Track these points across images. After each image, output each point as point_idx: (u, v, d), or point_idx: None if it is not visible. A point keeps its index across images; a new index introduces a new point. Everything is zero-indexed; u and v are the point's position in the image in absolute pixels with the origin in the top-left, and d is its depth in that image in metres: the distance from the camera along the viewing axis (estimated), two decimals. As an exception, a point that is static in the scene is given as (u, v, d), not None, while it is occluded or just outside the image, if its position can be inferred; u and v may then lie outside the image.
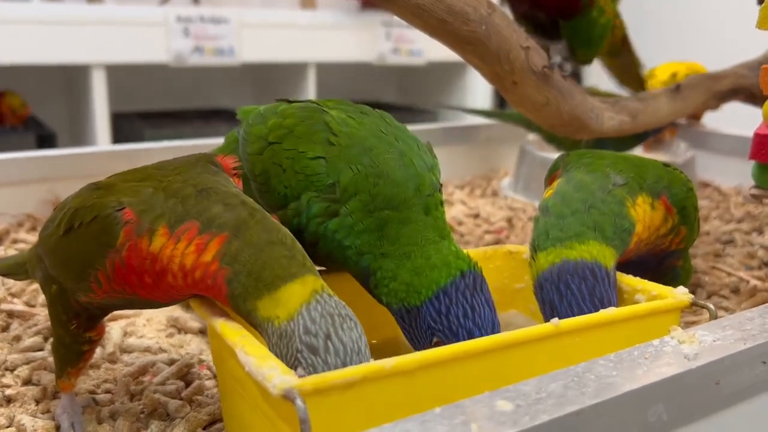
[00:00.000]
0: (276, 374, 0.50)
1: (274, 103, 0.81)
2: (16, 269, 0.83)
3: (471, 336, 0.63)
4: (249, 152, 0.76)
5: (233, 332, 0.57)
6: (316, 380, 0.50)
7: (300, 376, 0.51)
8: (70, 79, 2.83)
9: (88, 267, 0.62)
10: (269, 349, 0.56)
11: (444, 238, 0.67)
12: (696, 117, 1.88)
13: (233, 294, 0.57)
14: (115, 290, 0.63)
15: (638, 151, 1.67)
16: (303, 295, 0.56)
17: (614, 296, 0.69)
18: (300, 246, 0.60)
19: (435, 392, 0.55)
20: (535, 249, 0.72)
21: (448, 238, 0.68)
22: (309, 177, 0.69)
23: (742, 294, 1.09)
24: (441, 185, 0.73)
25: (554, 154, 1.65)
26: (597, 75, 3.51)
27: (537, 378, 0.54)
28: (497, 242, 1.36)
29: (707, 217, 1.49)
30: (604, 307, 0.66)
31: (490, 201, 1.66)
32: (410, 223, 0.67)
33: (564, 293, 0.66)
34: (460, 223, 1.47)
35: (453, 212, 1.52)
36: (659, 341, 0.62)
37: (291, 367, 0.53)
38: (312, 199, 0.69)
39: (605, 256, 0.69)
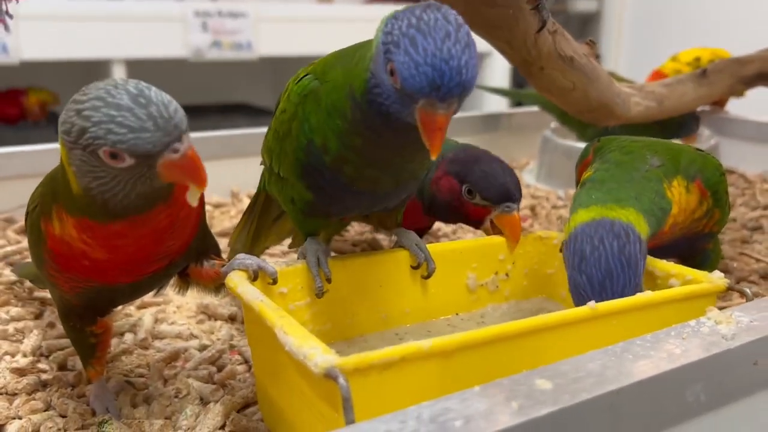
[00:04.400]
0: (317, 353, 0.50)
1: None
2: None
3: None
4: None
5: (272, 313, 0.58)
6: (356, 360, 0.50)
7: None
8: (90, 75, 2.84)
9: (39, 261, 0.64)
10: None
11: None
12: (719, 103, 1.85)
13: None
14: (72, 278, 0.63)
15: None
16: None
17: (642, 264, 0.69)
18: None
19: (473, 373, 0.55)
20: (576, 207, 0.74)
21: None
22: None
23: (772, 280, 1.08)
24: None
25: (577, 143, 1.64)
26: (614, 61, 3.48)
27: (575, 358, 0.54)
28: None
29: (733, 204, 1.47)
30: (630, 266, 0.67)
31: (512, 190, 1.65)
32: None
33: (596, 245, 0.68)
34: (482, 212, 1.46)
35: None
36: (695, 322, 0.61)
37: None
38: None
39: (641, 224, 0.70)
